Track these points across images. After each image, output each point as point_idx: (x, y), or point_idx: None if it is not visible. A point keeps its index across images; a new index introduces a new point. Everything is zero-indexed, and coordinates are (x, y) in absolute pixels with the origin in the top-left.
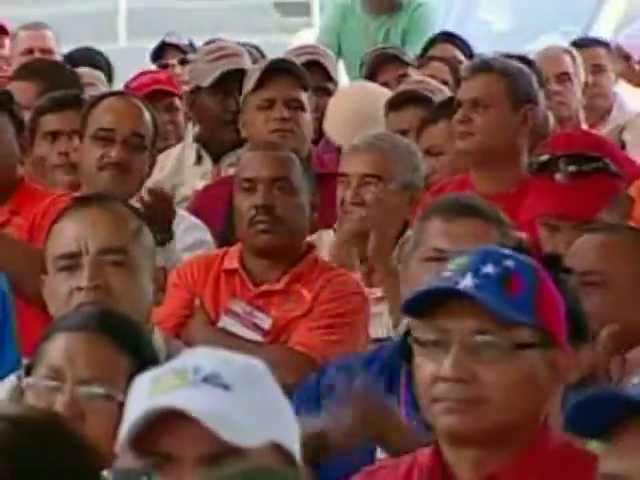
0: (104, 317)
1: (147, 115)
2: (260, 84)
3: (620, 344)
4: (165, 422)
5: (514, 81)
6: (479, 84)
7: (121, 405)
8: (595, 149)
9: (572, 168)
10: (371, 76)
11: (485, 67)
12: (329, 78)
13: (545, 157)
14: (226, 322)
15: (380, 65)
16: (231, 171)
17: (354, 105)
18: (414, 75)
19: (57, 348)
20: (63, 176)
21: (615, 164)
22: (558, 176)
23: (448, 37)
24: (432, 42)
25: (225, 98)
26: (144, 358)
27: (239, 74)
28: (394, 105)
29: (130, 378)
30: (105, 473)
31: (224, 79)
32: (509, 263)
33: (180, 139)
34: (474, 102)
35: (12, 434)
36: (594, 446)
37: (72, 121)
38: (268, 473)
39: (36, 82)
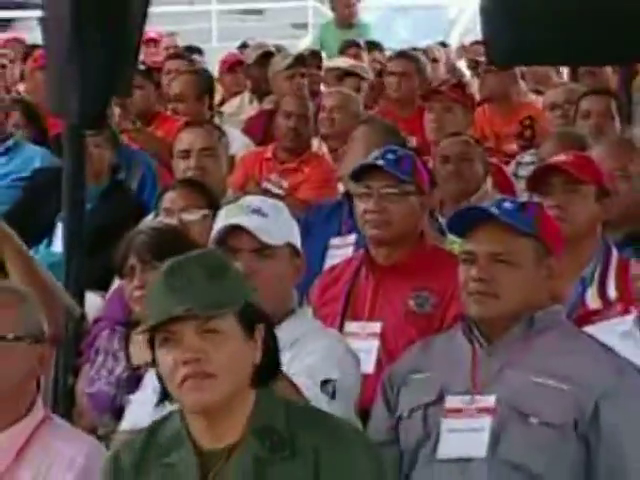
0: (191, 181)
1: (194, 76)
2: (289, 67)
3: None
4: (232, 232)
5: (419, 64)
6: (402, 64)
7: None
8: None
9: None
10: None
11: (404, 54)
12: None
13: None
14: (265, 184)
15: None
16: (267, 106)
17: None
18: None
19: (166, 197)
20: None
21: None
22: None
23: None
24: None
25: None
26: (212, 201)
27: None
28: (338, 76)
29: (207, 209)
30: None
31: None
32: (400, 153)
33: (245, 87)
34: (401, 73)
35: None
36: (450, 246)
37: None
38: None
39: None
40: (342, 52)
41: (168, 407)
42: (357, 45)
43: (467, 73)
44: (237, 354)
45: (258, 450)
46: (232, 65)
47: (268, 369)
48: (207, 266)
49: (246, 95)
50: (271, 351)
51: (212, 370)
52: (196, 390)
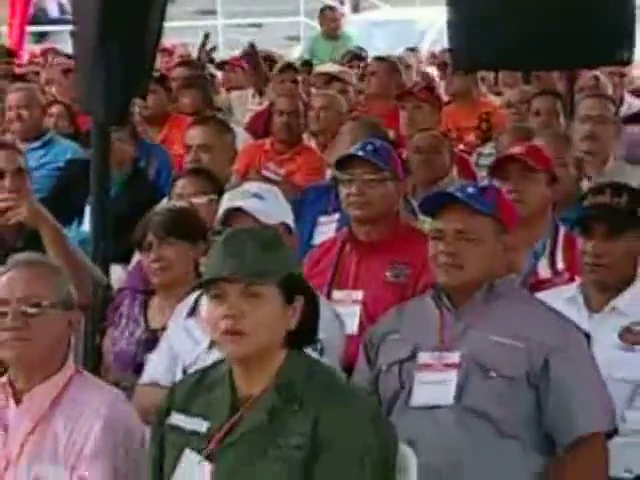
0: (197, 169)
1: (201, 81)
2: (280, 72)
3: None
4: (234, 213)
5: (393, 65)
6: (377, 64)
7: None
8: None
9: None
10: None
11: (383, 59)
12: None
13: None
14: (264, 172)
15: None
16: (265, 103)
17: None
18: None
19: (178, 184)
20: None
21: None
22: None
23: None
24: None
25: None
26: (218, 187)
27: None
28: (326, 80)
29: (213, 194)
30: (209, 232)
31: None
32: (378, 144)
33: (249, 85)
34: (375, 72)
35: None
36: (421, 225)
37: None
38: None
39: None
40: (343, 63)
41: (179, 363)
42: (359, 57)
43: (436, 77)
44: (271, 318)
45: (275, 402)
46: (231, 67)
47: (301, 336)
48: (259, 239)
49: (250, 90)
50: (308, 321)
51: (245, 328)
52: (231, 343)
